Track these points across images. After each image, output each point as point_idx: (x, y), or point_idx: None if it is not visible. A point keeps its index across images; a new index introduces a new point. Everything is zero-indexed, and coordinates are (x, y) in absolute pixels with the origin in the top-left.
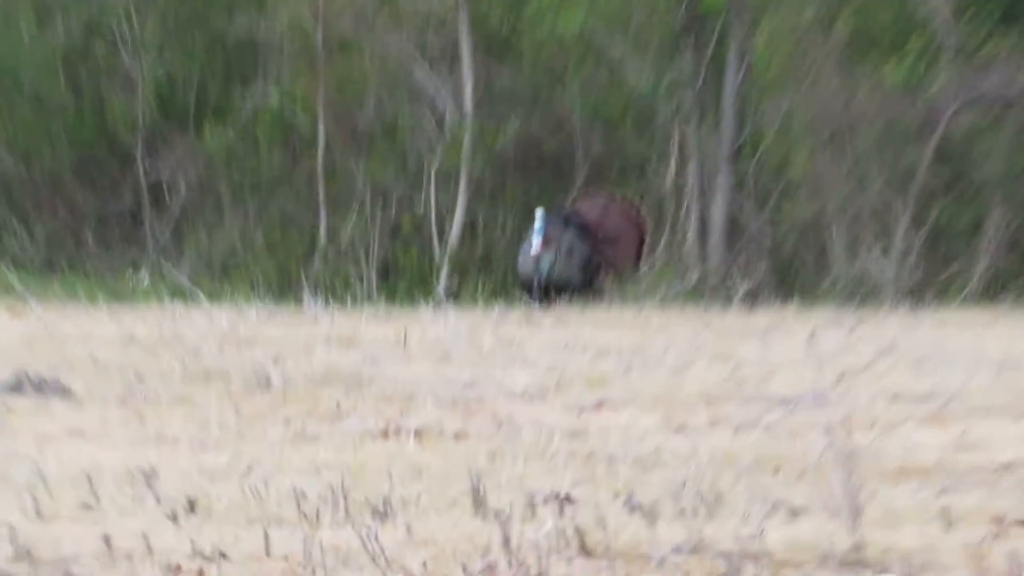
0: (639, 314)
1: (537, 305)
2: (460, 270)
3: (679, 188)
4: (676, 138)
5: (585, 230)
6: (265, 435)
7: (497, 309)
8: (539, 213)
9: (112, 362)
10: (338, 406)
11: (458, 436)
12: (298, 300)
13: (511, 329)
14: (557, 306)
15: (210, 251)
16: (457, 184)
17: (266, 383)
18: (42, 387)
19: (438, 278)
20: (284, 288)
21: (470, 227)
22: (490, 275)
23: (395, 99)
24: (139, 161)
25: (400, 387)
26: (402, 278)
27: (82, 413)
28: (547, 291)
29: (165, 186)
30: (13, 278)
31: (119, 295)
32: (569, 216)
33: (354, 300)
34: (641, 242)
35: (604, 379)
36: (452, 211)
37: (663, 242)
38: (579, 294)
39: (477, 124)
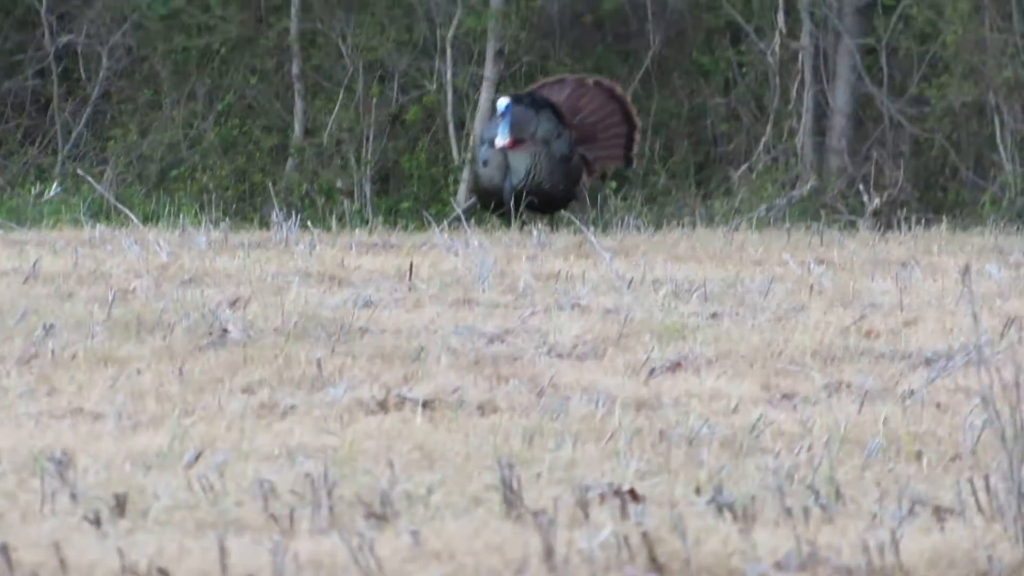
0: (730, 238)
1: (508, 224)
2: None
3: (787, 63)
4: None
5: (560, 118)
6: (220, 408)
7: (537, 232)
8: (503, 100)
9: (9, 307)
10: (319, 368)
11: (483, 409)
12: (264, 220)
13: (555, 261)
14: (535, 226)
15: (143, 151)
16: (482, 57)
17: (220, 336)
18: None
19: (456, 189)
20: (244, 203)
21: None
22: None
23: None
24: (43, 20)
25: (404, 341)
26: (406, 189)
27: None
28: (518, 205)
29: (80, 57)
30: None
31: (17, 213)
32: (540, 100)
33: (340, 220)
34: (630, 135)
35: (682, 330)
36: (475, 94)
37: (764, 138)
38: (561, 206)
39: None
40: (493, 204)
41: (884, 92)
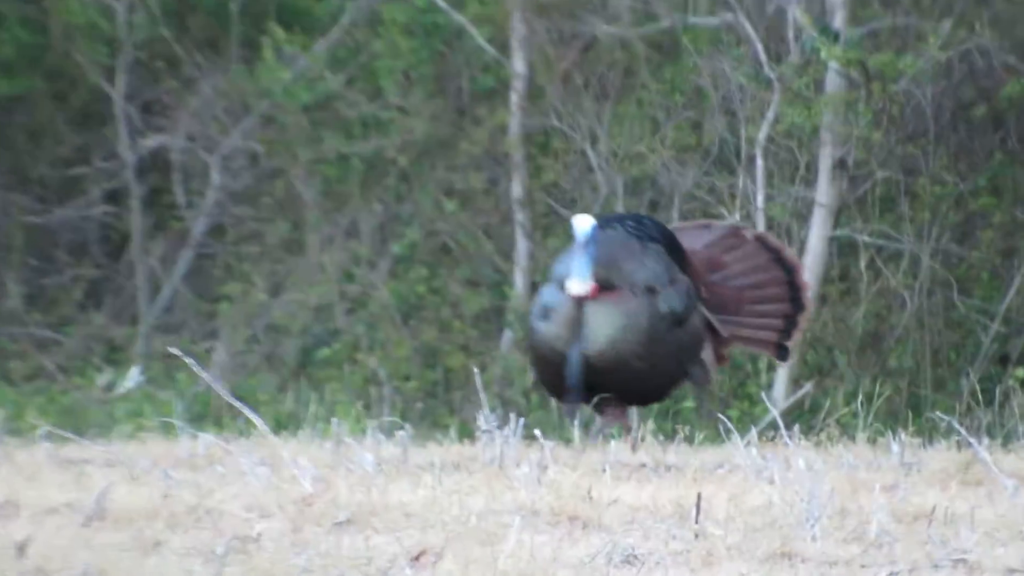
0: None
1: (572, 420)
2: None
3: None
4: None
5: (680, 260)
6: None
7: (899, 447)
8: (585, 220)
9: (62, 566)
10: None
11: None
12: (465, 428)
13: (927, 492)
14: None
15: (273, 318)
16: (812, 171)
17: None
18: None
19: (771, 377)
20: (435, 401)
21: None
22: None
23: None
24: (119, 112)
25: None
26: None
27: None
28: (592, 384)
29: (176, 171)
30: None
31: (75, 415)
32: (650, 228)
33: (585, 427)
34: (793, 317)
35: None
36: (800, 229)
37: None
38: (657, 398)
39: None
40: (551, 381)
41: None
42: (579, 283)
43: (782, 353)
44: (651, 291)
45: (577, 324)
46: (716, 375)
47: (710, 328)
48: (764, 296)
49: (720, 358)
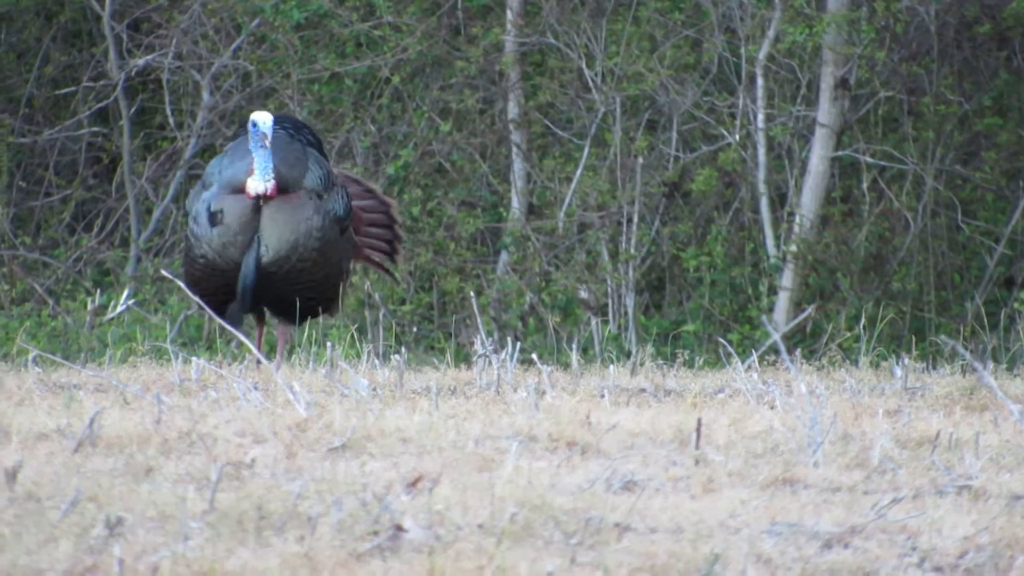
0: None
1: (233, 327)
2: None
3: None
4: None
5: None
6: None
7: (902, 369)
8: (262, 116)
9: (53, 491)
10: None
11: None
12: (462, 351)
13: (931, 417)
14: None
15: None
16: (812, 90)
17: (392, 537)
18: None
19: (772, 302)
20: (430, 325)
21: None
22: None
23: None
24: (107, 31)
25: (688, 546)
26: (691, 301)
27: None
28: (261, 294)
29: (166, 91)
30: None
31: (65, 339)
32: (304, 129)
33: (585, 351)
34: (392, 227)
35: None
36: (802, 150)
37: None
38: (324, 307)
39: None
40: (216, 294)
41: None
42: (260, 182)
43: (391, 275)
44: (318, 195)
45: (252, 229)
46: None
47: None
48: (373, 220)
49: (360, 258)
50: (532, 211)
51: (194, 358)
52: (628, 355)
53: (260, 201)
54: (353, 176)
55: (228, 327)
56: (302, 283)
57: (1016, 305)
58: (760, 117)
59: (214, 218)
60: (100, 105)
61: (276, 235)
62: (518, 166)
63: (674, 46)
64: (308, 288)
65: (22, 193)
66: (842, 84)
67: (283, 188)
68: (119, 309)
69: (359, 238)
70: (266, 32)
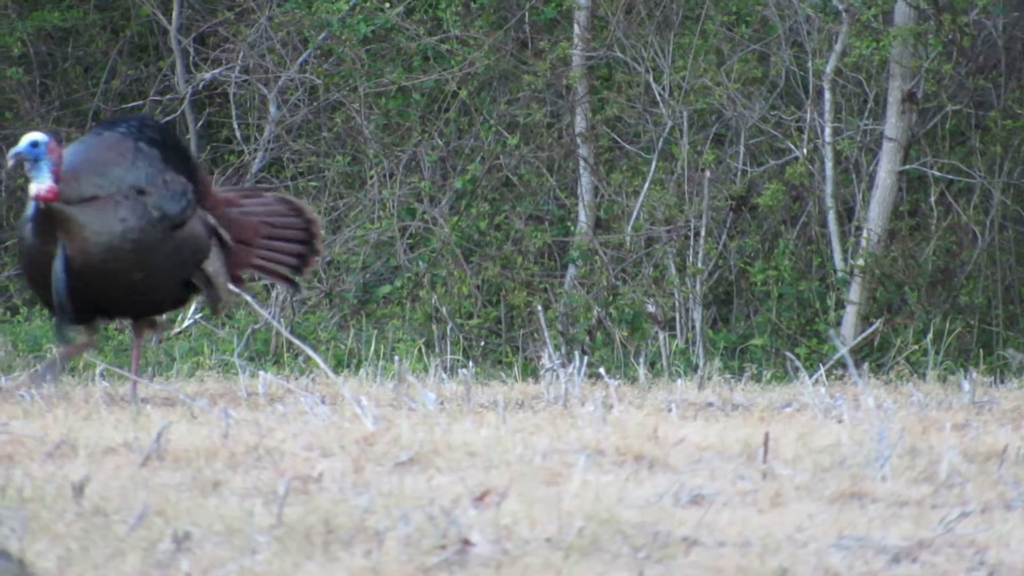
0: None
1: (60, 342)
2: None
3: None
4: None
5: (188, 169)
6: None
7: (969, 384)
8: (25, 137)
9: (120, 505)
10: None
11: None
12: (529, 366)
13: (999, 431)
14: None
15: (333, 254)
16: (880, 104)
17: (460, 551)
18: None
19: (840, 316)
20: (498, 339)
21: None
22: None
23: None
24: (174, 45)
25: (755, 560)
26: (759, 315)
27: None
28: (82, 300)
29: (232, 104)
30: None
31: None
32: (150, 129)
33: (653, 366)
34: (310, 246)
35: None
36: (870, 164)
37: None
38: (156, 309)
39: None
40: (42, 293)
41: None
42: (36, 184)
43: (293, 286)
44: (141, 192)
45: (52, 231)
46: (233, 297)
47: (221, 243)
48: (279, 235)
49: (235, 279)
50: (599, 225)
51: (261, 372)
52: (695, 369)
53: (40, 204)
54: (283, 196)
55: (56, 332)
56: (124, 286)
57: None
58: (827, 131)
59: (32, 225)
60: (167, 119)
61: (78, 240)
62: (585, 180)
63: (741, 60)
64: (132, 290)
65: None
66: (909, 98)
67: (79, 191)
68: (186, 323)
69: (251, 248)
70: (333, 46)
